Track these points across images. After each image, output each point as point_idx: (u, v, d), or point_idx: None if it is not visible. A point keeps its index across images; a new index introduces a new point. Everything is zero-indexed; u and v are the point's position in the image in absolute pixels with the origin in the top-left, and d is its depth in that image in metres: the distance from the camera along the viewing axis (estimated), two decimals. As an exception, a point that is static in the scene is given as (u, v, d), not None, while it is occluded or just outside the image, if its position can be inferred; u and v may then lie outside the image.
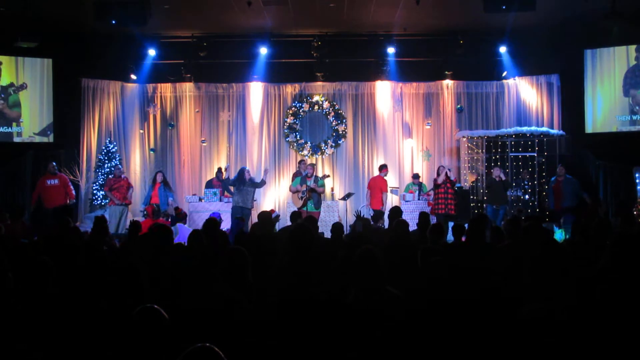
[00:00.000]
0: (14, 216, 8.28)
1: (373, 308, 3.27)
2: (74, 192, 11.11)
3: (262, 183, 11.17)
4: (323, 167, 13.29)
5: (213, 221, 6.25)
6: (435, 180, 11.11)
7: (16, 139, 11.98)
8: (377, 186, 11.33)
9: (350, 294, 3.50)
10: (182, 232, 8.09)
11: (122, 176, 11.30)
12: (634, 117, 11.77)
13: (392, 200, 12.55)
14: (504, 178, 10.80)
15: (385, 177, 11.42)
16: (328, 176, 12.52)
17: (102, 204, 12.04)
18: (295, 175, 11.25)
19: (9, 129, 11.95)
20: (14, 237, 6.96)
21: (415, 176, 12.32)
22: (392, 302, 3.37)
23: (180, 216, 8.76)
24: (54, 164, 10.87)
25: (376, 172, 13.07)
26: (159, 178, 11.31)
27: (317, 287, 3.91)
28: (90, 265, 4.45)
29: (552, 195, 10.96)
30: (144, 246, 5.30)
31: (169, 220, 10.44)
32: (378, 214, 9.28)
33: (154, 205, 11.03)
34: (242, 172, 10.98)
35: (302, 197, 10.93)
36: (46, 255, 3.83)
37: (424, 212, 7.03)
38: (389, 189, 11.69)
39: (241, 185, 10.78)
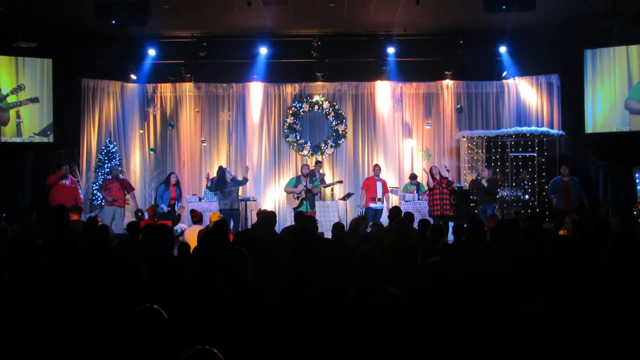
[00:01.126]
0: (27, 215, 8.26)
1: (373, 308, 3.27)
2: (81, 195, 11.15)
3: (245, 180, 11.19)
4: (323, 167, 13.28)
5: (223, 221, 6.23)
6: (427, 183, 11.12)
7: (15, 139, 11.95)
8: None
9: (350, 294, 3.50)
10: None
11: (120, 176, 11.23)
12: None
13: (392, 200, 12.55)
14: (486, 185, 10.84)
15: (374, 176, 11.42)
16: (341, 182, 12.56)
17: (102, 204, 12.03)
18: (309, 175, 11.21)
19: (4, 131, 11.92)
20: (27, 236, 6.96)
21: (413, 176, 12.31)
22: (392, 302, 3.37)
23: (196, 219, 8.65)
24: (67, 167, 10.92)
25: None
26: (173, 179, 11.23)
27: (317, 287, 3.92)
28: (92, 265, 4.44)
29: (562, 195, 10.93)
30: (144, 246, 5.30)
31: (169, 220, 10.43)
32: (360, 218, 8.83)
33: (154, 206, 11.02)
34: (222, 173, 10.96)
35: (298, 197, 10.95)
36: (46, 255, 3.83)
37: (424, 220, 6.98)
38: (377, 188, 11.53)
39: (224, 187, 10.76)
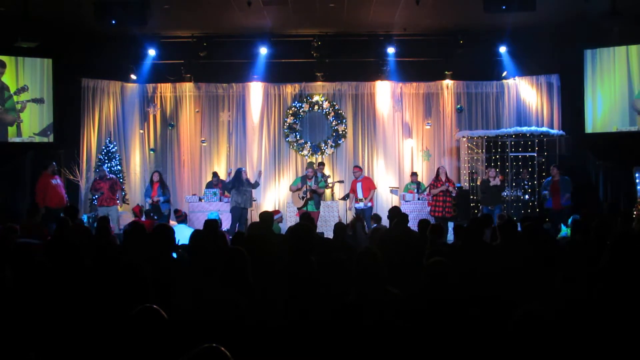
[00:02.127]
0: (30, 215, 8.22)
1: (373, 308, 3.27)
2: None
3: (257, 184, 11.28)
4: (324, 168, 13.27)
5: (213, 222, 6.26)
6: (433, 183, 11.15)
7: (16, 139, 11.94)
8: None
9: (350, 294, 3.50)
10: (183, 234, 8.03)
11: (109, 176, 11.25)
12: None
13: (392, 200, 12.55)
14: (498, 184, 10.88)
15: (355, 179, 11.53)
16: (342, 181, 12.59)
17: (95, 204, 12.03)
18: (314, 176, 11.26)
19: (5, 130, 11.91)
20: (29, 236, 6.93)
21: (413, 174, 12.31)
22: (393, 302, 3.36)
23: (181, 218, 8.71)
24: (55, 164, 10.89)
25: (376, 173, 13.13)
26: (156, 177, 11.36)
27: (316, 287, 3.91)
28: (93, 265, 4.44)
29: (551, 195, 10.96)
30: (145, 246, 5.29)
31: (155, 219, 10.53)
32: (357, 219, 8.79)
33: (139, 205, 11.09)
34: (239, 172, 11.06)
35: (302, 197, 10.96)
36: (47, 256, 3.83)
37: (425, 220, 6.99)
38: (358, 189, 11.55)
39: (240, 185, 10.84)
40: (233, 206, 10.89)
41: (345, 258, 3.83)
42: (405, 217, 6.98)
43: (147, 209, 11.31)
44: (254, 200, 12.55)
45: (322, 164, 12.34)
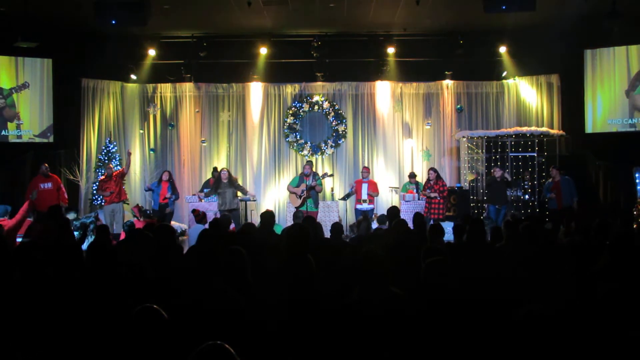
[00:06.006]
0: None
1: (376, 308, 3.27)
2: (66, 195, 11.01)
3: (247, 197, 11.27)
4: (323, 167, 13.30)
5: (218, 221, 6.26)
6: (428, 183, 11.24)
7: (15, 140, 11.93)
8: None
9: (353, 294, 3.49)
10: None
11: (113, 173, 11.23)
12: (632, 121, 11.75)
13: (392, 201, 12.56)
14: (509, 179, 10.92)
15: (362, 179, 11.58)
16: (332, 175, 12.57)
17: (102, 204, 12.03)
18: (311, 174, 11.27)
19: (6, 131, 11.89)
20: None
21: (412, 175, 12.31)
22: (396, 302, 3.36)
23: (199, 218, 8.59)
24: (47, 166, 10.77)
25: (376, 173, 13.11)
26: (165, 177, 11.29)
27: (314, 287, 3.91)
28: (93, 266, 4.44)
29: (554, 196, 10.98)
30: (145, 246, 5.29)
31: (155, 219, 10.50)
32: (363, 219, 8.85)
33: (139, 205, 11.04)
34: (218, 174, 11.01)
35: (300, 196, 10.95)
36: (47, 257, 3.83)
37: (418, 213, 7.06)
38: (362, 190, 11.58)
39: (218, 188, 10.81)
40: (218, 209, 10.88)
41: (344, 257, 3.83)
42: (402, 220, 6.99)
43: (152, 207, 11.27)
44: (254, 200, 12.53)
45: (310, 162, 12.28)
